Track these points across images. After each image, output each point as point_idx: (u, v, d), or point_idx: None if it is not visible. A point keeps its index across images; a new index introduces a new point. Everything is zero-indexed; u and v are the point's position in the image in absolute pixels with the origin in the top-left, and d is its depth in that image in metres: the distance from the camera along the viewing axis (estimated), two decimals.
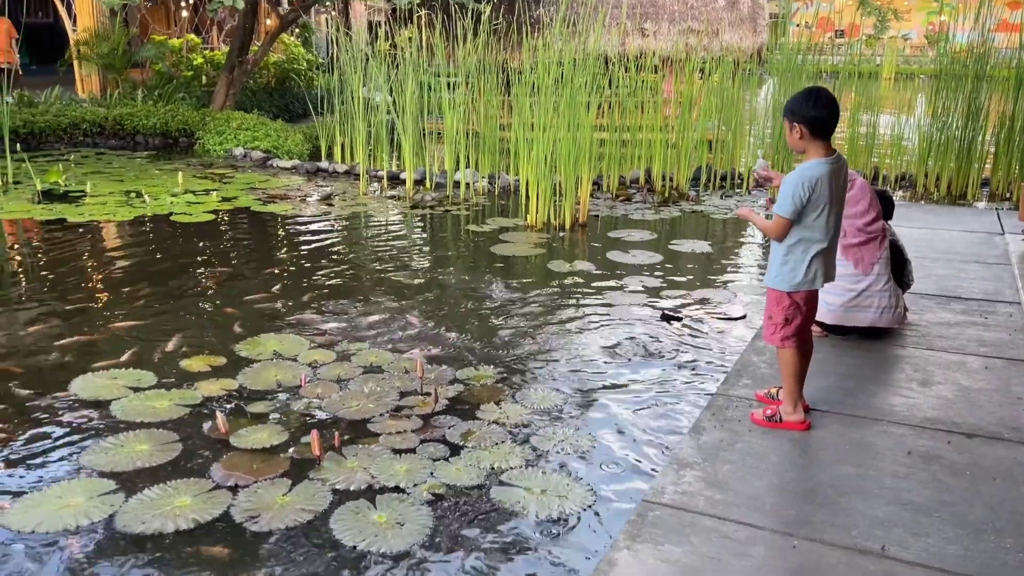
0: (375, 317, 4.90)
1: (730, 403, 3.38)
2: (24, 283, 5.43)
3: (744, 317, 5.02)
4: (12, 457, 3.20)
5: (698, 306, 5.25)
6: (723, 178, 9.53)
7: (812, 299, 3.21)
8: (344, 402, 3.77)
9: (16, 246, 6.38)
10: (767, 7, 13.02)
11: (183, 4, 15.64)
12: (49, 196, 7.71)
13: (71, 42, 13.28)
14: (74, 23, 13.19)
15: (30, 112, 10.61)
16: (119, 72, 13.04)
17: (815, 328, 4.24)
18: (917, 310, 4.53)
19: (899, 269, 4.31)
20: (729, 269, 6.28)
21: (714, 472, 2.80)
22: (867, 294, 4.07)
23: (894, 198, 4.75)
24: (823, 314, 4.17)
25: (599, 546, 2.67)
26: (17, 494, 2.94)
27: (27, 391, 3.79)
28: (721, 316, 5.07)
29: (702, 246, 6.79)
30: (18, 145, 9.18)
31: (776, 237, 3.11)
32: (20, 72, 12.32)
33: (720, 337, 4.70)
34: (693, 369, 4.24)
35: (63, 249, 6.18)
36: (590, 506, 2.93)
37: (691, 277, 5.91)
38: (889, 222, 4.33)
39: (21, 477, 3.06)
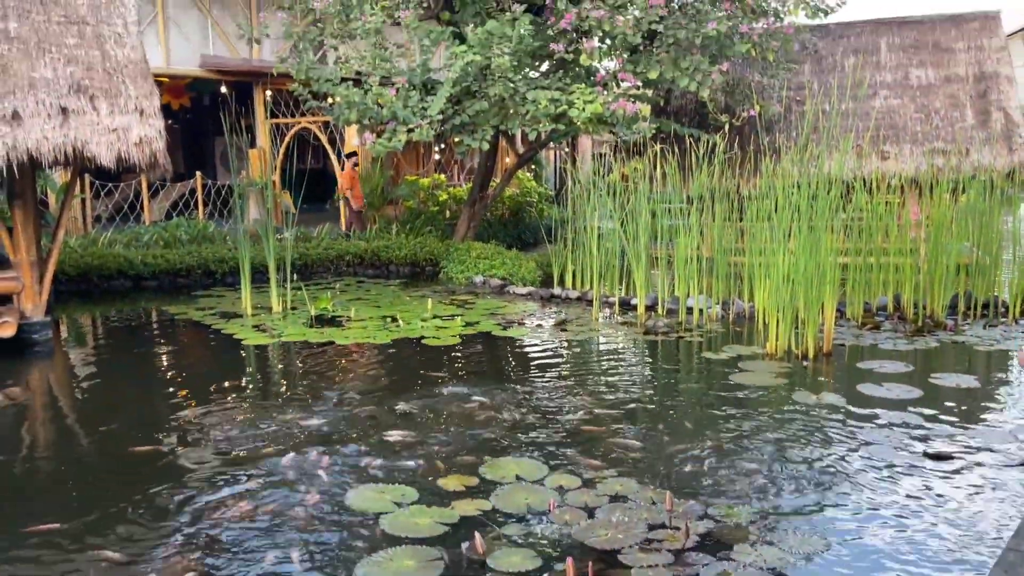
0: (617, 446, 4.93)
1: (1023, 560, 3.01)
2: (302, 396, 6.05)
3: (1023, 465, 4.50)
4: (300, 561, 3.51)
5: (971, 447, 4.78)
6: (984, 306, 8.75)
7: None
8: (592, 530, 3.79)
9: (297, 365, 7.17)
10: (1023, 123, 12.11)
11: (434, 149, 17.32)
12: (320, 320, 8.64)
13: (339, 184, 15.11)
14: (341, 167, 15.03)
15: (305, 246, 12.08)
16: (377, 209, 14.57)
17: None
18: None
19: None
20: (1003, 407, 5.69)
21: None
22: None
23: None
24: None
25: None
26: None
27: (303, 500, 4.18)
28: (1001, 461, 4.56)
29: (968, 380, 6.21)
30: (295, 275, 10.44)
31: None
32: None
33: (1001, 482, 4.23)
34: (973, 518, 3.82)
35: (334, 367, 6.86)
36: None
37: (958, 415, 5.41)
38: None
39: None
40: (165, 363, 7.43)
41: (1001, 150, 11.76)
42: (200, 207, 15.06)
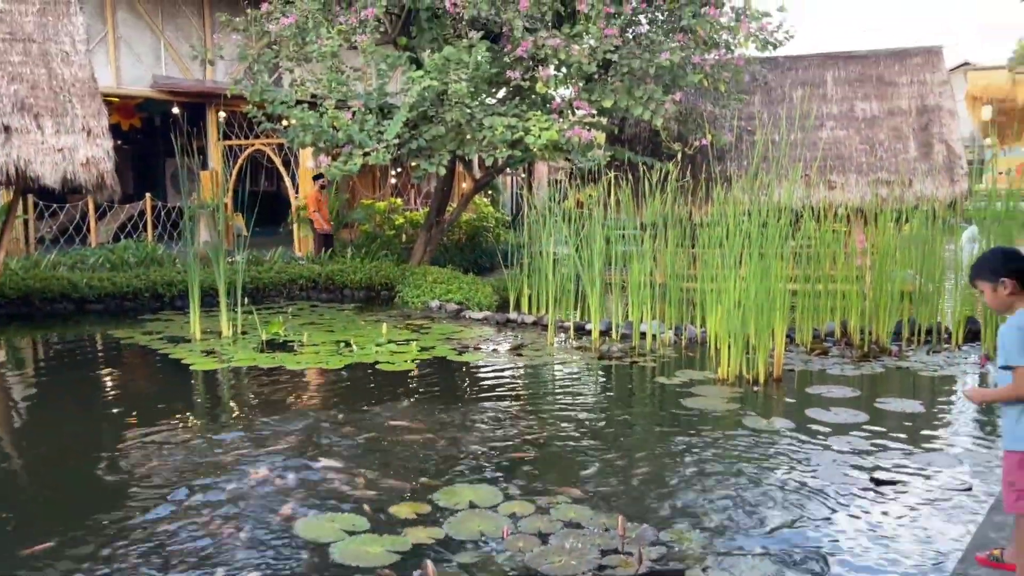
0: (571, 471, 4.91)
1: None
2: (249, 422, 5.92)
3: (970, 489, 4.59)
4: None
5: (916, 472, 4.87)
6: (928, 332, 8.97)
7: None
8: (546, 557, 3.76)
9: (245, 391, 7.03)
10: (964, 155, 12.54)
11: (391, 173, 17.29)
12: (271, 345, 8.50)
13: (293, 207, 14.96)
14: (296, 191, 14.90)
15: (257, 269, 11.92)
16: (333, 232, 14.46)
17: None
18: None
19: None
20: (946, 431, 5.82)
21: None
22: None
23: None
24: None
25: None
26: None
27: (253, 528, 4.08)
28: (946, 486, 4.66)
29: (912, 405, 6.35)
30: (246, 299, 10.28)
31: None
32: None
33: (946, 508, 4.31)
34: (920, 543, 3.89)
35: (284, 393, 6.74)
36: None
37: (903, 439, 5.51)
38: None
39: None
40: (109, 388, 7.23)
41: (943, 181, 12.16)
42: (149, 229, 14.79)
